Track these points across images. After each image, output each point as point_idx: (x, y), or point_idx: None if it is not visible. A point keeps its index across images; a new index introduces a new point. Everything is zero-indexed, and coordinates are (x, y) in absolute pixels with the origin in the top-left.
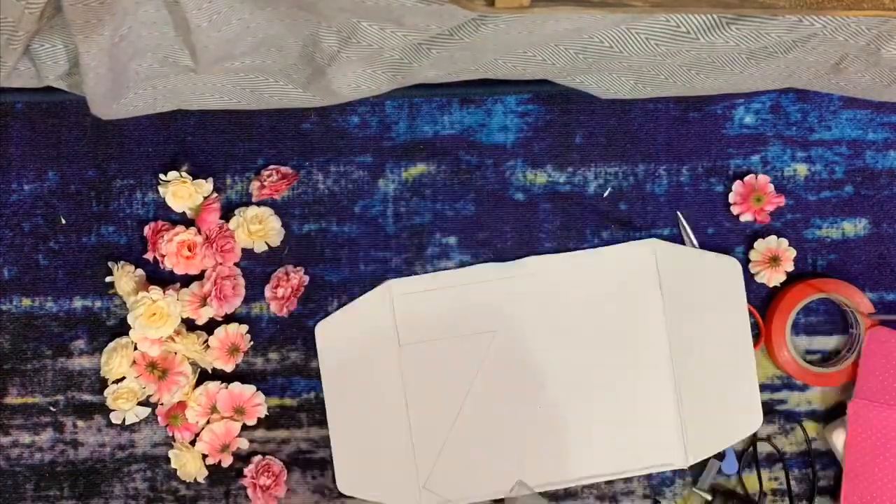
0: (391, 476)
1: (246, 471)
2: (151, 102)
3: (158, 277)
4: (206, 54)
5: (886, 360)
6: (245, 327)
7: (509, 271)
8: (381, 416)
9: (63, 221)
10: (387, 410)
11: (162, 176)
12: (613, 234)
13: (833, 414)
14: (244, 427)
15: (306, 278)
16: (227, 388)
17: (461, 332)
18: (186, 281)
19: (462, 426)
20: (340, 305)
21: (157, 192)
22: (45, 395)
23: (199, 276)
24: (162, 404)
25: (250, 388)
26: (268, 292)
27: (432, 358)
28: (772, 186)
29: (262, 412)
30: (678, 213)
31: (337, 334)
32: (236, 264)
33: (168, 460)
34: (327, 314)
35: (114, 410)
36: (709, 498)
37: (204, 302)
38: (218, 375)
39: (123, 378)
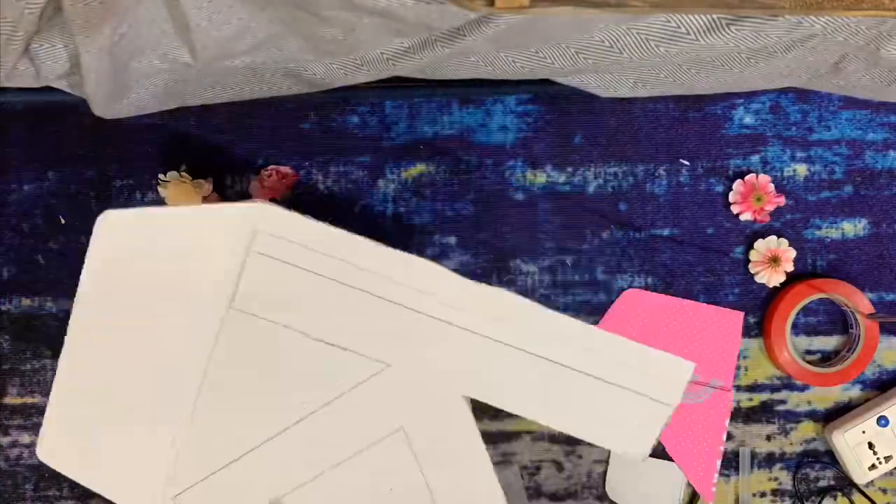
0: (127, 465)
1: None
2: (153, 101)
3: None
4: (205, 53)
5: (632, 318)
6: None
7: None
8: (147, 383)
9: (62, 221)
10: (163, 379)
11: (162, 176)
12: (613, 234)
13: (833, 414)
14: None
15: None
16: None
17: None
18: None
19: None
20: None
21: (157, 192)
22: (45, 396)
23: None
24: None
25: None
26: None
27: (273, 345)
28: (772, 186)
29: None
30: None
31: (130, 232)
32: None
33: None
34: None
35: None
36: None
37: None
38: None
39: None
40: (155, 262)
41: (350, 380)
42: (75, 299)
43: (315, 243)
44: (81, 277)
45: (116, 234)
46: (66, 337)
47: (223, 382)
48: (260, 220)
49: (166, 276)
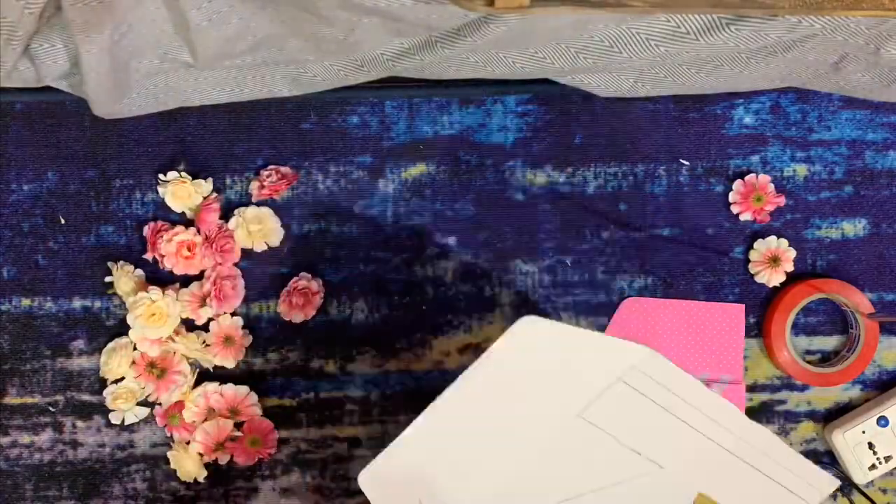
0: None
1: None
2: (154, 101)
3: (158, 277)
4: (205, 52)
5: (635, 325)
6: (239, 320)
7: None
8: (479, 456)
9: (62, 221)
10: (493, 454)
11: (161, 176)
12: (613, 234)
13: (833, 414)
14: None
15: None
16: (219, 391)
17: None
18: (186, 281)
19: None
20: (339, 305)
21: (157, 192)
22: (45, 396)
23: (199, 276)
24: (160, 404)
25: (243, 389)
26: (281, 305)
27: (594, 448)
28: (772, 186)
29: (257, 412)
30: None
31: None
32: (236, 264)
33: (167, 460)
34: (327, 318)
35: (113, 411)
36: None
37: (203, 302)
38: (218, 376)
39: (123, 378)
40: (539, 362)
41: (626, 474)
42: (465, 373)
43: (675, 388)
44: (480, 361)
45: (527, 335)
46: (439, 397)
47: (538, 468)
48: (645, 361)
49: (541, 375)
